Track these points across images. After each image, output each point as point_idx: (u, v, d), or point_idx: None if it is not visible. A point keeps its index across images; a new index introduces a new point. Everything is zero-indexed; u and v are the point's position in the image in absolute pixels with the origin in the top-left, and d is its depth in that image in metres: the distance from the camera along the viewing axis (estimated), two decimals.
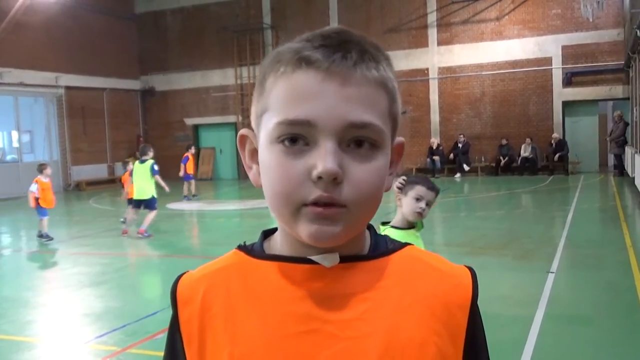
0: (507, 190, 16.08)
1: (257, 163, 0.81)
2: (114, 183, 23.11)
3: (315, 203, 0.73)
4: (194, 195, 16.39)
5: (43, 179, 10.44)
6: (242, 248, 0.85)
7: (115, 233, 11.22)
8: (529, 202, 14.16)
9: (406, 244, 0.86)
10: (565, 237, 8.89)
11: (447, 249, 8.90)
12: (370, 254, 0.83)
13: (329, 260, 0.78)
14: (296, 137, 0.74)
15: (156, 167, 10.38)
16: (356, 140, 0.74)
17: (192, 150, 16.73)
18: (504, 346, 4.51)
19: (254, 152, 0.83)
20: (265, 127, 0.77)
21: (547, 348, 4.56)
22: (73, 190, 21.59)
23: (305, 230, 0.74)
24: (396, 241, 0.87)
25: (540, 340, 4.64)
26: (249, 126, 0.86)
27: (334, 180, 0.72)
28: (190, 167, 16.29)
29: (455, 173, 20.07)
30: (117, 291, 6.97)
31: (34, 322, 5.86)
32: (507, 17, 19.90)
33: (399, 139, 0.84)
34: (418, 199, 2.91)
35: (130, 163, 11.69)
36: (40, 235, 10.41)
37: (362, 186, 0.74)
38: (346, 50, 0.75)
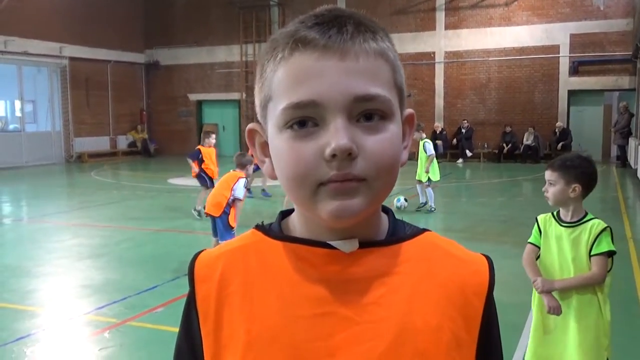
0: (509, 177, 16.07)
1: (269, 156, 0.81)
2: (115, 156, 23.13)
3: (333, 181, 0.72)
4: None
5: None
6: (260, 228, 0.85)
7: (116, 205, 11.25)
8: (530, 190, 14.15)
9: (424, 230, 0.86)
10: None
11: (446, 234, 8.82)
12: (388, 239, 0.82)
13: (348, 246, 0.78)
14: (304, 119, 0.73)
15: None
16: (365, 113, 0.74)
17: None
18: (502, 331, 4.53)
19: (265, 145, 0.82)
20: (272, 115, 0.77)
21: None
22: (75, 161, 21.60)
23: (325, 208, 0.74)
24: (414, 226, 0.87)
25: None
26: (254, 119, 0.85)
27: (348, 155, 0.71)
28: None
29: (458, 158, 20.05)
30: (117, 263, 7.00)
31: (34, 291, 5.91)
32: (516, 3, 19.72)
33: (409, 110, 0.83)
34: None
35: (213, 136, 10.13)
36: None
37: (377, 157, 0.73)
38: (341, 25, 0.74)
